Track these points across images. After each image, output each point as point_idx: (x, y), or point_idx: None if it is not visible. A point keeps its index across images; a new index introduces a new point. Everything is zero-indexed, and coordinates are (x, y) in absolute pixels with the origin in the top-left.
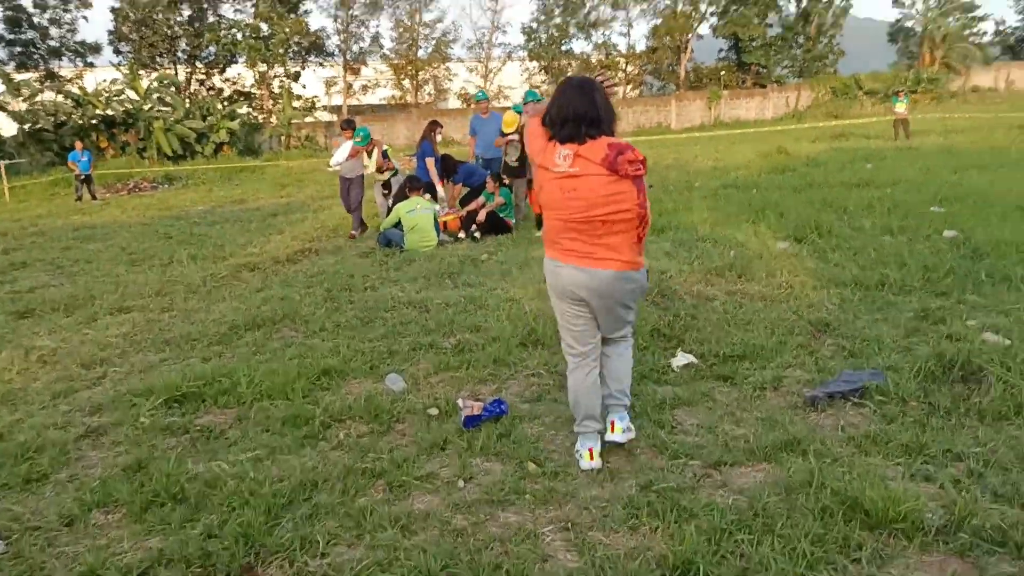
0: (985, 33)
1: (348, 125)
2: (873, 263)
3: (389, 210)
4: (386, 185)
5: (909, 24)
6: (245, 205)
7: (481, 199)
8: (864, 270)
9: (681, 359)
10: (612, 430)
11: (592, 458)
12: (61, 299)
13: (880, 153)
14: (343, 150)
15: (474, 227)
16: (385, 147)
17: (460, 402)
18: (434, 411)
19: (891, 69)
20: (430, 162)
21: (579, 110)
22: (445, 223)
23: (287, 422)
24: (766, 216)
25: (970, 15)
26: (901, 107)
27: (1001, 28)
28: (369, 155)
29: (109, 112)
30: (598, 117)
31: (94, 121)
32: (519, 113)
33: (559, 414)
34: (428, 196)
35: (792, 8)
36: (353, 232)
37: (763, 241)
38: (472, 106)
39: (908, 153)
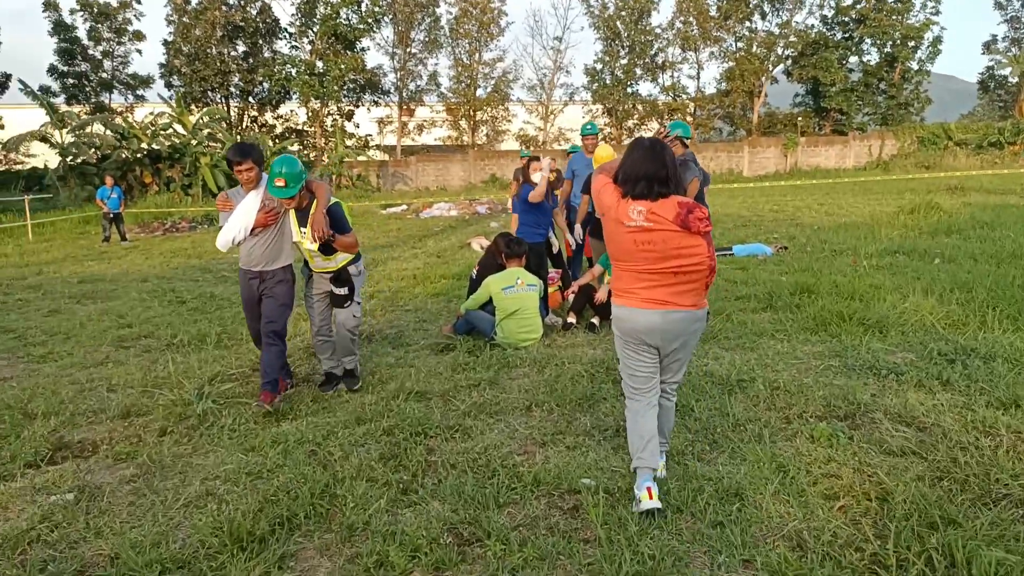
0: None
1: (245, 154)
2: None
3: (472, 285)
4: (341, 283)
5: (1004, 72)
6: None
7: (598, 268)
8: None
9: None
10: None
11: (652, 497)
12: None
13: None
14: (243, 210)
15: (591, 311)
16: (334, 200)
17: None
18: None
19: (983, 120)
20: (532, 194)
21: (650, 171)
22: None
23: None
24: None
25: None
26: None
27: None
28: (301, 219)
29: (155, 146)
30: (667, 177)
31: (139, 155)
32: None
33: None
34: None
35: (875, 53)
36: (267, 396)
37: None
38: (574, 146)
39: None
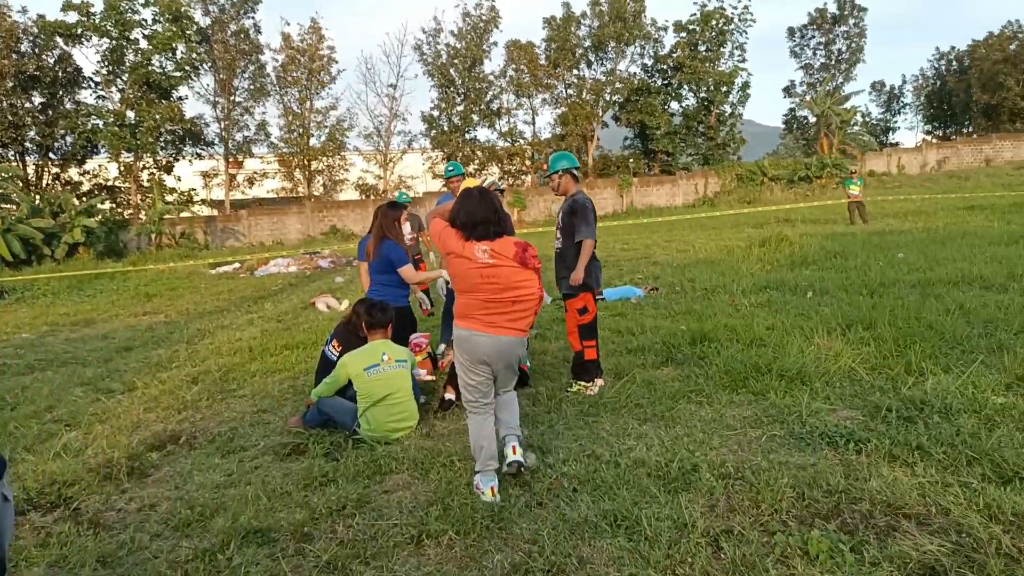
0: (856, 124)
1: None
2: None
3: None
4: None
5: (803, 113)
6: (92, 329)
7: None
8: None
9: None
10: (514, 452)
11: (494, 495)
12: None
13: (877, 240)
14: None
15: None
16: None
17: None
18: None
19: (788, 158)
20: (407, 271)
21: (485, 215)
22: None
23: None
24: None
25: (844, 106)
26: (855, 189)
27: (867, 119)
28: None
29: None
30: (499, 219)
31: None
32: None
33: None
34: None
35: (692, 98)
36: None
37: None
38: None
39: (912, 237)
